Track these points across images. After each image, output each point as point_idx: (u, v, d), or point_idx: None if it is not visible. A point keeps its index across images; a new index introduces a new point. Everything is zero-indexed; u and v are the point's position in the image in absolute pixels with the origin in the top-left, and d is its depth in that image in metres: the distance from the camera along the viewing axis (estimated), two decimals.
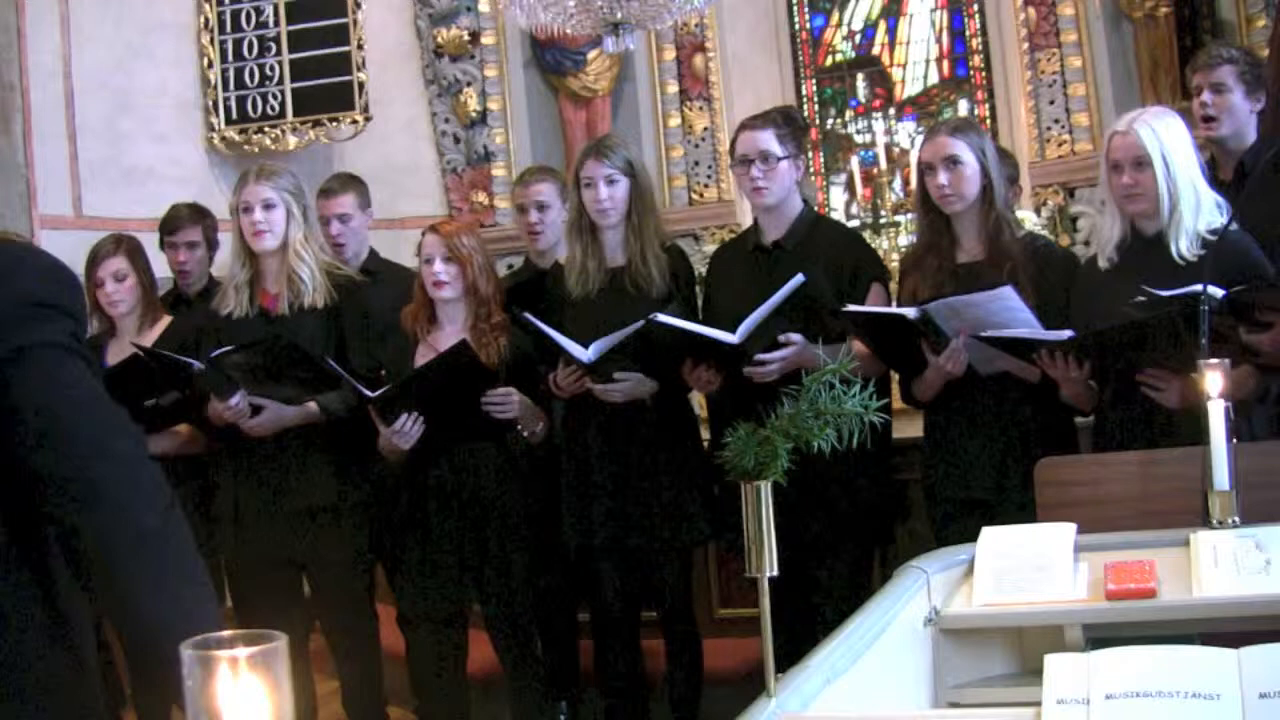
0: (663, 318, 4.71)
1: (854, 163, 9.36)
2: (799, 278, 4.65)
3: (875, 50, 9.91)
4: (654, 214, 5.28)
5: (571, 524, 5.20)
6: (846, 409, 2.32)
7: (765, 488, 2.35)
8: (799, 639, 4.49)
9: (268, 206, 5.24)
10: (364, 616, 5.38)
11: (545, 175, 6.16)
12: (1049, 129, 8.42)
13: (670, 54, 9.19)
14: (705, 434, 5.42)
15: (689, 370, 4.95)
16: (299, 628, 5.37)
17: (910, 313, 4.66)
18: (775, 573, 2.37)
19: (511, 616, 5.21)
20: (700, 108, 9.20)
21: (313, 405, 5.14)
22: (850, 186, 9.22)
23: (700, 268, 5.89)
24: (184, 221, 6.48)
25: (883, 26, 9.88)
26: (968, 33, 9.49)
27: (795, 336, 4.78)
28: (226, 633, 1.18)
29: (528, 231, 6.00)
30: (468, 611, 5.33)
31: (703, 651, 5.36)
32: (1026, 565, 3.34)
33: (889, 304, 5.04)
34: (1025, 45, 8.51)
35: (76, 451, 2.10)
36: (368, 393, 4.91)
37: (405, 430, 4.98)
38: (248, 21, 9.14)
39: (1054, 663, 2.37)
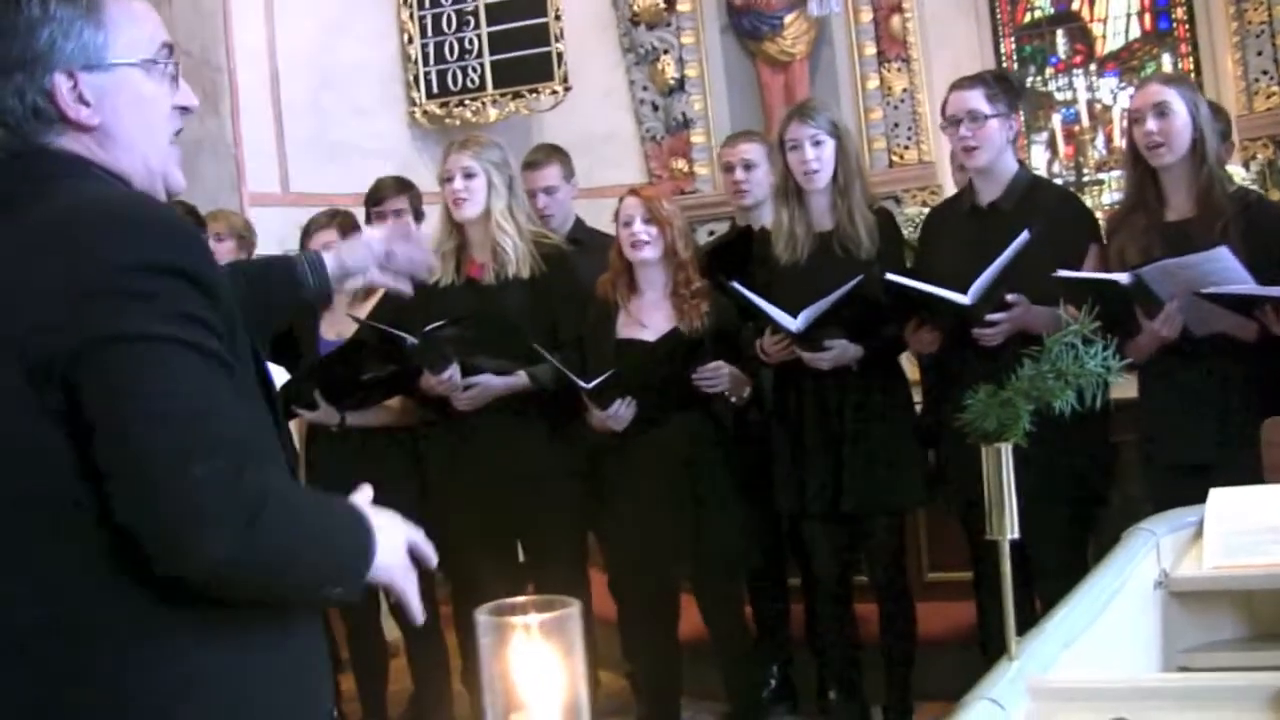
0: (893, 276, 4.68)
1: (1055, 121, 9.23)
2: (1024, 235, 4.58)
3: (1075, 5, 9.74)
4: (860, 176, 5.25)
5: (784, 490, 5.20)
6: (1088, 369, 2.30)
7: (1006, 450, 2.34)
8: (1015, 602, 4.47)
9: (468, 175, 5.29)
10: (578, 583, 5.40)
11: (752, 136, 6.21)
12: (1257, 80, 8.22)
13: (867, 15, 9.10)
14: (915, 397, 5.39)
15: (913, 330, 4.92)
16: (511, 594, 5.43)
17: (1124, 278, 4.57)
18: (1016, 535, 2.36)
19: (722, 583, 5.23)
20: (899, 69, 9.12)
21: (523, 376, 5.19)
22: (1052, 145, 9.12)
23: (904, 230, 5.85)
24: (390, 191, 6.56)
25: None
26: None
27: (1019, 297, 4.72)
28: (521, 599, 1.19)
29: (734, 190, 6.00)
30: (679, 578, 5.35)
31: (915, 616, 5.34)
32: (1258, 528, 3.28)
33: (1104, 267, 4.94)
34: None
35: (138, 484, 1.89)
36: (582, 384, 4.94)
37: (618, 414, 5.02)
38: None
39: None
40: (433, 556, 2.29)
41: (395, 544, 2.19)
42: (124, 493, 1.88)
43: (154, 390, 1.88)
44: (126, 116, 2.13)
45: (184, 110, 2.24)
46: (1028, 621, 2.62)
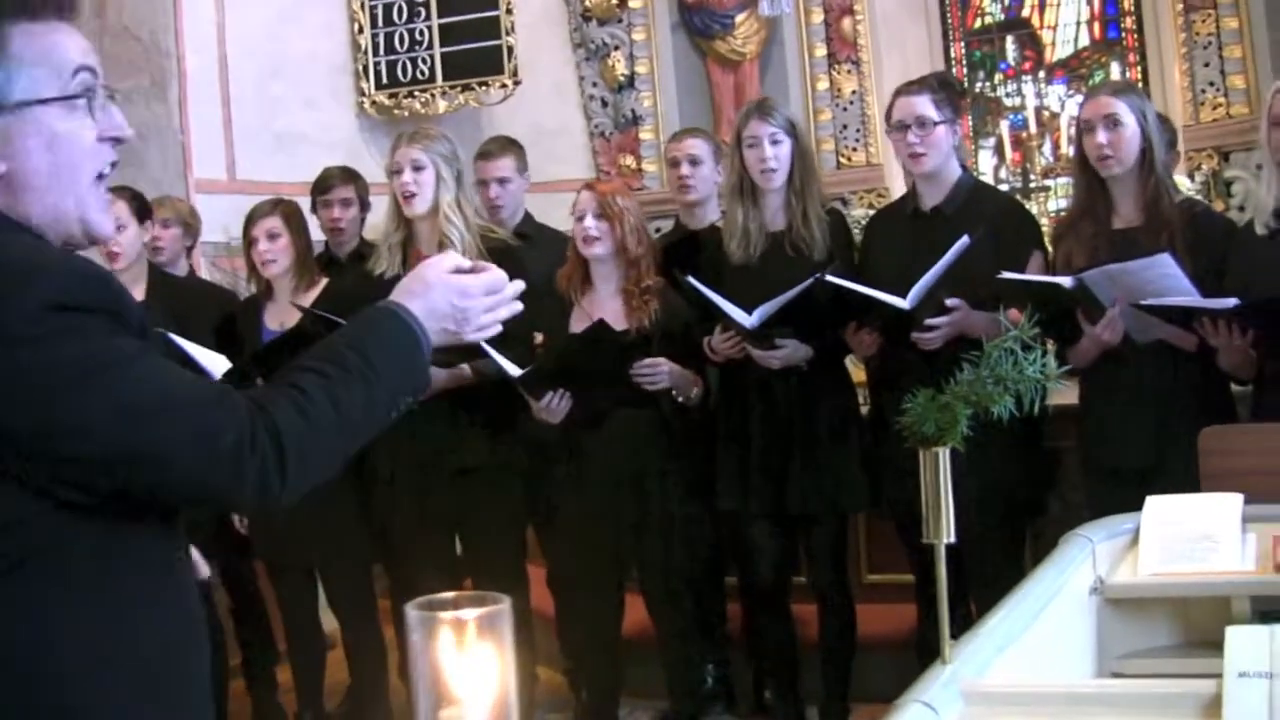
0: (833, 278, 4.69)
1: (1003, 126, 9.27)
2: (965, 240, 4.60)
3: (1025, 12, 9.79)
4: (815, 176, 5.27)
5: (727, 489, 5.20)
6: (1027, 375, 2.31)
7: (944, 454, 2.35)
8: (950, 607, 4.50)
9: (417, 168, 5.29)
10: (516, 577, 5.40)
11: (699, 132, 6.24)
12: (1203, 91, 8.27)
13: (818, 16, 9.11)
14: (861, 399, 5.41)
15: (852, 333, 4.94)
16: (449, 588, 5.43)
17: (1066, 281, 4.59)
18: (953, 539, 2.37)
19: (666, 580, 5.22)
20: (848, 71, 9.13)
21: (465, 368, 5.18)
22: (999, 151, 9.14)
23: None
24: (336, 180, 6.58)
25: None
26: None
27: (959, 301, 4.74)
28: (452, 594, 1.19)
29: (679, 185, 6.01)
30: (622, 575, 5.34)
31: (854, 618, 5.35)
32: (1194, 535, 3.31)
33: (1048, 273, 4.97)
34: (1179, 6, 8.35)
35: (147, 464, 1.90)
36: (512, 373, 4.92)
37: (553, 407, 5.01)
38: None
39: (1236, 635, 2.32)
40: (486, 267, 2.28)
41: (441, 309, 2.19)
42: (165, 492, 1.93)
43: (144, 403, 1.88)
44: (37, 159, 2.01)
45: (116, 141, 2.11)
46: (964, 626, 2.63)
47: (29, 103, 1.99)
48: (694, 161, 5.91)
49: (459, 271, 2.23)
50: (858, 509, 5.40)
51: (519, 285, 2.29)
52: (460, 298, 2.20)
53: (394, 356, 2.12)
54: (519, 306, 2.29)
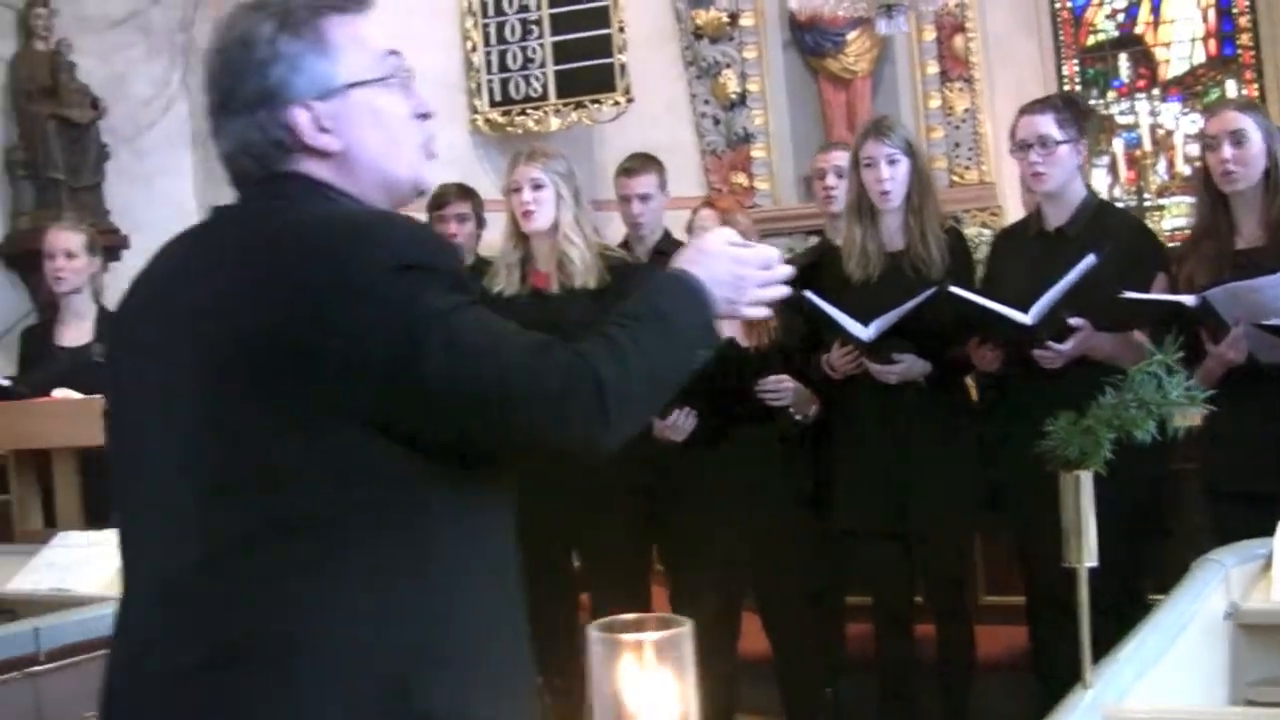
0: (956, 289, 4.67)
1: (1117, 145, 9.21)
2: (1091, 258, 4.56)
3: (1139, 29, 9.75)
4: (933, 195, 5.23)
5: (844, 507, 5.19)
6: (1171, 399, 2.30)
7: (1086, 477, 2.34)
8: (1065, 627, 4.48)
9: (537, 187, 5.28)
10: (637, 597, 5.40)
11: (847, 145, 6.19)
12: None
13: (930, 34, 9.13)
14: None
15: (973, 347, 4.91)
16: (569, 608, 5.46)
17: (1190, 300, 4.54)
18: (1095, 563, 2.36)
19: (785, 600, 5.21)
20: (960, 89, 9.13)
21: None
22: (1113, 169, 9.09)
23: None
24: (452, 197, 6.62)
25: (1146, 4, 9.73)
26: (1235, 9, 9.27)
27: (1083, 321, 4.70)
28: (633, 615, 1.19)
29: (825, 196, 6.01)
30: (741, 595, 5.33)
31: (975, 638, 5.31)
32: None
33: (1171, 294, 4.91)
34: None
35: (499, 415, 2.00)
36: None
37: (678, 424, 5.01)
38: (510, 5, 9.32)
39: None
40: (762, 250, 2.34)
41: (721, 276, 2.24)
42: (505, 430, 2.00)
43: (484, 346, 1.99)
44: (369, 136, 2.19)
45: (423, 117, 2.28)
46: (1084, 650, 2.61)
47: (353, 85, 2.16)
48: (840, 174, 5.87)
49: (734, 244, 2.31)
50: (975, 528, 5.36)
51: (789, 269, 2.35)
52: (739, 266, 2.27)
53: (687, 311, 2.18)
54: (787, 291, 2.34)
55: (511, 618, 2.18)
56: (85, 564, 4.05)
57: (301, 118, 2.14)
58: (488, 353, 1.99)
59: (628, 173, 6.50)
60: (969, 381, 5.38)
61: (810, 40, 9.29)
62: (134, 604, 2.13)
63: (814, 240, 6.54)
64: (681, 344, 2.17)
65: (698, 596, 5.24)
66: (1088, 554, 2.37)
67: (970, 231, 8.05)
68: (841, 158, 5.90)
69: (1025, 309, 4.62)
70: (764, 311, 2.33)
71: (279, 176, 2.16)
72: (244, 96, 2.14)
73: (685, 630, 1.20)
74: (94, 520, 5.07)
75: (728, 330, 4.99)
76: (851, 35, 9.18)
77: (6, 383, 5.85)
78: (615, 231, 6.34)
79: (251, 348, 1.98)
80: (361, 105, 2.17)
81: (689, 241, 2.30)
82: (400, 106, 2.23)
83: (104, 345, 2.37)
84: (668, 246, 6.33)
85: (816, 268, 5.45)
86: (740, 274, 2.26)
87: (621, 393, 2.03)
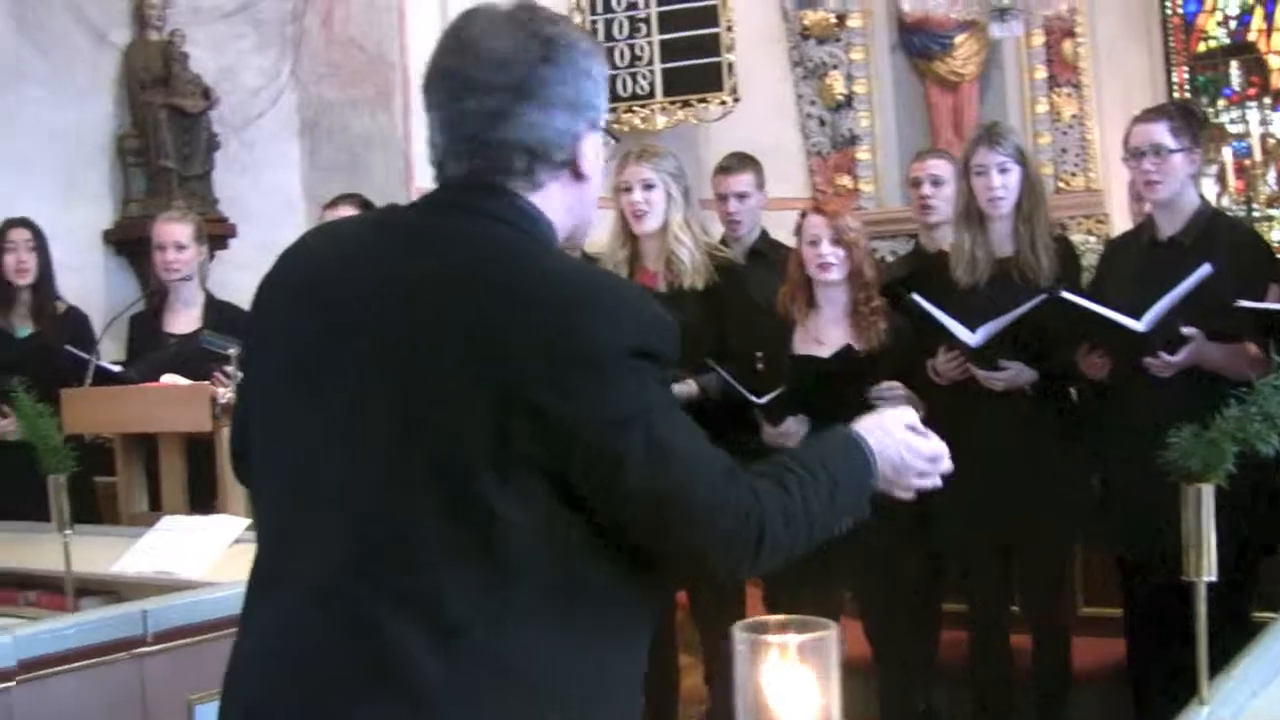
0: (1068, 295, 4.63)
1: (1226, 154, 9.10)
2: (1206, 268, 4.50)
3: (1251, 36, 9.61)
4: (1043, 203, 5.17)
5: (944, 514, 5.15)
6: None
7: (1208, 490, 2.32)
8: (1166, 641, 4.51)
9: (647, 186, 5.28)
10: (733, 595, 5.38)
11: (943, 153, 6.24)
12: None
13: (1039, 39, 9.07)
14: None
15: (1084, 354, 4.87)
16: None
17: None
18: (1214, 577, 2.34)
19: (884, 606, 5.18)
20: (1069, 94, 9.07)
21: (692, 385, 5.14)
22: (1222, 178, 8.98)
23: None
24: None
25: (1259, 11, 9.61)
26: None
27: (1195, 331, 4.65)
28: (779, 617, 1.20)
29: (920, 205, 5.98)
30: (840, 599, 5.31)
31: (1071, 649, 5.27)
32: None
33: None
34: None
35: (689, 527, 2.09)
36: (754, 399, 4.92)
37: (790, 431, 4.99)
38: (618, 2, 9.33)
39: None
40: (935, 444, 2.47)
41: (891, 457, 2.36)
42: (672, 538, 2.09)
43: (680, 451, 2.07)
44: (598, 175, 2.27)
45: None
46: (1183, 664, 2.59)
47: (600, 128, 2.27)
48: (936, 182, 5.86)
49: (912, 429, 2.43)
50: (1078, 538, 5.31)
51: (950, 466, 2.49)
52: (910, 454, 2.39)
53: (854, 483, 2.29)
54: (940, 483, 2.48)
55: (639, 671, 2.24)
56: (189, 548, 4.11)
57: (586, 135, 2.21)
58: (679, 459, 2.06)
59: (725, 171, 6.46)
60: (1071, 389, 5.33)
61: (918, 42, 9.26)
62: (288, 604, 2.14)
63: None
64: (839, 510, 2.26)
65: (795, 600, 5.22)
66: (1207, 568, 2.35)
67: (1076, 238, 7.99)
68: (937, 166, 5.91)
69: (1136, 317, 4.58)
70: (909, 495, 2.44)
71: (496, 190, 2.18)
72: (558, 94, 2.17)
73: (830, 633, 1.21)
74: (197, 505, 5.14)
75: (843, 337, 5.02)
76: (959, 38, 9.15)
77: (116, 368, 5.93)
78: (719, 230, 6.33)
79: (473, 387, 2.02)
80: (598, 145, 2.26)
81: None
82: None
83: (251, 328, 2.38)
84: (764, 246, 6.33)
85: (924, 272, 5.43)
86: (909, 462, 2.38)
87: (776, 544, 2.11)
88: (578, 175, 2.21)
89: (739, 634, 1.22)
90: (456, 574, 2.01)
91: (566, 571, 2.06)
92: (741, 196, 6.37)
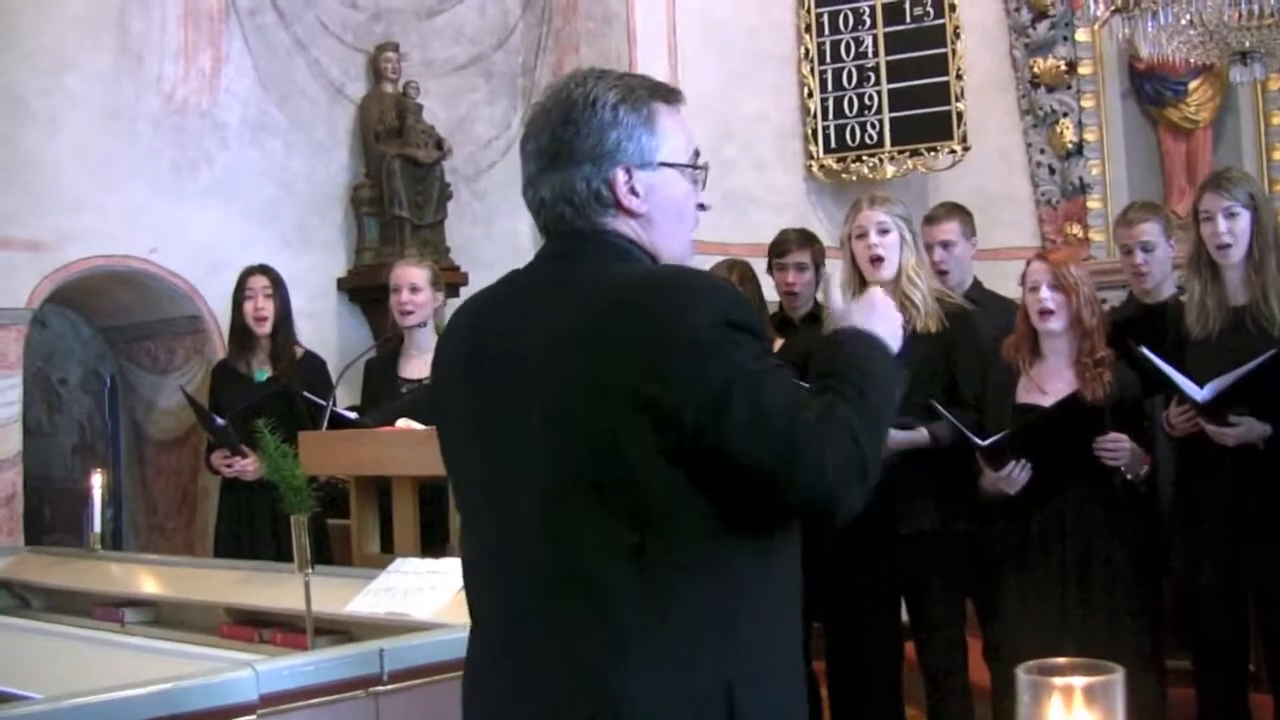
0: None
1: None
2: None
3: None
4: (1277, 249, 5.05)
5: (1180, 568, 5.08)
6: None
7: None
8: None
9: (883, 231, 5.32)
10: (956, 646, 5.41)
11: (1148, 214, 6.06)
12: None
13: (1276, 84, 8.87)
14: None
15: None
16: (893, 649, 5.50)
17: None
18: None
19: (1121, 663, 5.11)
20: None
21: (923, 431, 5.19)
22: None
23: None
24: (793, 244, 6.62)
25: None
26: None
27: None
28: (1064, 660, 1.25)
29: (1133, 273, 5.94)
30: (1062, 652, 5.23)
31: None
32: None
33: None
34: None
35: (797, 469, 2.29)
36: (978, 441, 4.92)
37: (1013, 477, 4.99)
38: (847, 52, 9.40)
39: None
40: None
41: (892, 323, 2.64)
42: (787, 490, 2.31)
43: (781, 404, 2.30)
44: (666, 208, 2.54)
45: (701, 208, 2.63)
46: None
47: (669, 165, 2.54)
48: (1146, 248, 5.85)
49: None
50: None
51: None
52: (892, 311, 2.69)
53: (886, 364, 2.55)
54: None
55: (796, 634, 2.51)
56: (422, 590, 4.21)
57: (620, 176, 2.49)
58: (784, 414, 2.29)
59: (930, 220, 6.46)
60: None
61: (1150, 89, 9.15)
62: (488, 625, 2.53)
63: None
64: (892, 393, 2.53)
65: (1017, 653, 5.18)
66: None
67: None
68: (1146, 231, 5.86)
69: None
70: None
71: (596, 232, 2.52)
72: (580, 150, 2.49)
73: (1117, 677, 1.26)
74: (429, 548, 5.27)
75: (1065, 388, 5.01)
76: (1194, 83, 9.01)
77: (351, 415, 6.11)
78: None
79: (599, 399, 2.32)
80: (667, 182, 2.53)
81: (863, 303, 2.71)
82: (692, 195, 2.59)
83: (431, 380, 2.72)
84: (976, 295, 6.29)
85: (1147, 323, 5.38)
86: (896, 316, 2.67)
87: (867, 474, 2.34)
88: (629, 212, 2.50)
89: (1022, 675, 1.27)
90: (618, 570, 2.31)
91: (712, 536, 2.33)
92: (946, 245, 6.36)
